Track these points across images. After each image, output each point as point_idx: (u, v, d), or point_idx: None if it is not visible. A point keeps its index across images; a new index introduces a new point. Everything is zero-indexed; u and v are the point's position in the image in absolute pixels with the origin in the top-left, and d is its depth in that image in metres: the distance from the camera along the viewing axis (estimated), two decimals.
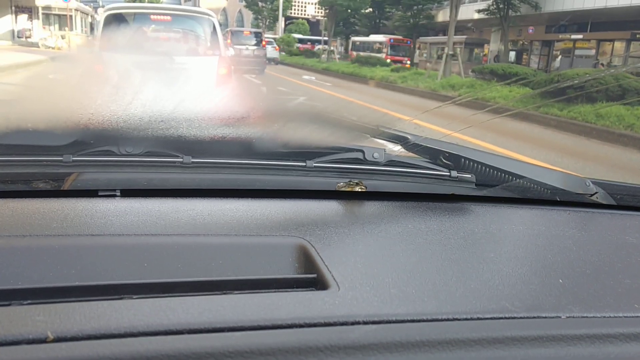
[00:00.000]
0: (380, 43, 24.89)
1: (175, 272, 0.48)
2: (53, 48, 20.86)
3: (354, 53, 24.72)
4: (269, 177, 0.68)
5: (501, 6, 21.20)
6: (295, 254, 0.52)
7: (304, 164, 0.68)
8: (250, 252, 0.52)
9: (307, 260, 0.51)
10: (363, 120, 0.82)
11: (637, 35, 19.89)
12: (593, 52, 21.82)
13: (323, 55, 22.60)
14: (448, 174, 0.72)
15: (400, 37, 25.18)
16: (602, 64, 19.92)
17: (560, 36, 22.65)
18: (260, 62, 15.86)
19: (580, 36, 21.83)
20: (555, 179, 0.75)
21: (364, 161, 0.70)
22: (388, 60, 19.83)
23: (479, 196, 0.73)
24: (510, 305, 0.46)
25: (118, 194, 0.63)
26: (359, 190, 0.68)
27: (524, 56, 25.73)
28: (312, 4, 44.02)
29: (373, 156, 0.70)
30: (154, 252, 0.50)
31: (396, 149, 0.73)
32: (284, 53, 26.87)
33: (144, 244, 0.52)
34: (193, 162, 0.64)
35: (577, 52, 22.49)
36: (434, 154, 0.73)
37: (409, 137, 0.73)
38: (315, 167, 0.68)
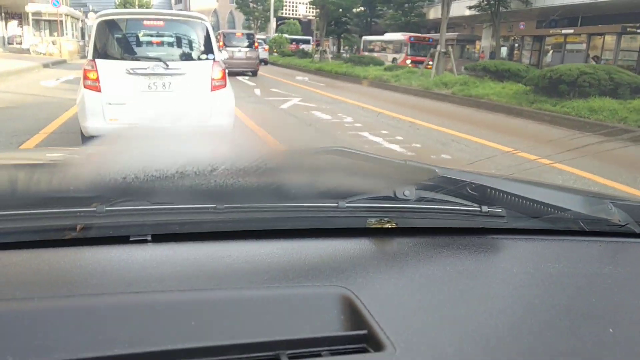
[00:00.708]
0: (399, 42, 22.92)
1: (224, 332, 0.47)
2: (44, 54, 20.75)
3: (367, 54, 22.95)
4: (302, 216, 0.68)
5: (492, 2, 21.30)
6: (340, 306, 0.51)
7: (336, 204, 0.67)
8: (296, 306, 0.51)
9: (353, 314, 0.50)
10: (390, 155, 0.82)
11: (628, 29, 20.04)
12: (584, 46, 21.96)
13: (316, 55, 22.57)
14: (479, 209, 0.71)
15: (421, 35, 22.91)
16: (594, 58, 20.06)
17: (551, 31, 22.77)
18: (253, 63, 15.85)
19: (571, 31, 21.97)
20: (578, 204, 0.75)
21: (395, 199, 0.70)
22: (408, 62, 18.16)
23: (507, 229, 0.73)
24: None
25: (149, 238, 0.61)
26: (390, 227, 0.69)
27: (516, 52, 25.84)
28: (303, 3, 44.02)
29: (404, 194, 0.70)
30: (199, 309, 0.48)
31: (425, 182, 0.73)
32: (276, 54, 26.85)
33: (187, 301, 0.50)
34: (226, 208, 0.64)
35: (568, 46, 22.63)
36: (461, 185, 0.73)
37: (437, 170, 0.73)
38: (347, 207, 0.68)
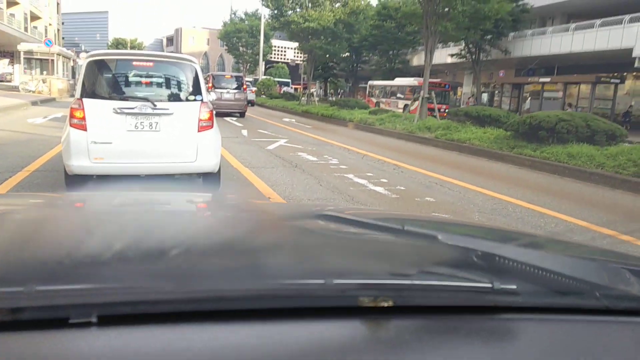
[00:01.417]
0: (411, 87, 21.09)
1: None
2: (34, 92, 20.81)
3: (374, 101, 21.27)
4: (280, 295, 0.57)
5: (473, 50, 22.21)
6: None
7: (323, 281, 0.57)
8: None
9: None
10: (386, 218, 0.73)
11: (602, 78, 20.97)
12: (560, 94, 22.84)
13: (303, 98, 23.06)
14: (489, 285, 0.61)
15: (436, 80, 20.70)
16: (569, 105, 20.84)
17: (529, 79, 23.72)
18: (241, 105, 16.09)
19: (547, 79, 22.91)
20: (595, 273, 0.66)
21: (392, 274, 0.60)
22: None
23: (523, 307, 0.63)
24: None
25: (94, 320, 0.49)
26: (385, 305, 0.58)
27: (496, 98, 26.75)
28: (291, 48, 45.31)
29: (402, 269, 0.60)
30: None
31: (426, 251, 0.64)
32: (264, 96, 27.34)
33: None
34: (190, 290, 0.53)
35: (545, 94, 23.53)
36: (466, 254, 0.64)
37: (439, 236, 0.64)
38: (335, 284, 0.57)
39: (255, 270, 0.58)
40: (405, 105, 20.87)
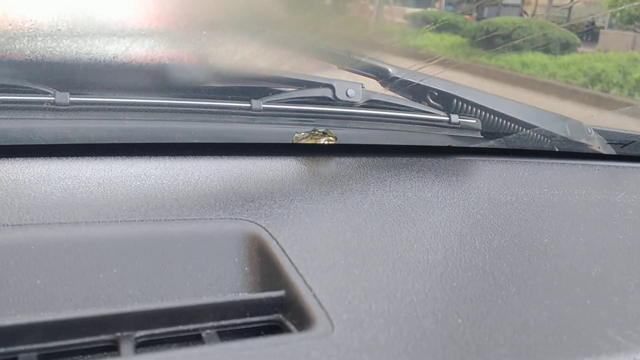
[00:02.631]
0: None
1: (46, 298, 0.29)
2: None
3: (371, 8, 21.14)
4: (195, 126, 0.47)
5: None
6: (244, 250, 0.32)
7: (249, 104, 0.48)
8: (169, 252, 0.30)
9: (264, 262, 0.31)
10: (326, 42, 0.63)
11: None
12: (519, 1, 22.79)
13: None
14: (447, 118, 0.58)
15: None
16: (526, 13, 20.85)
17: None
18: None
19: None
20: (557, 125, 0.65)
21: (333, 101, 0.53)
22: None
23: (479, 148, 0.59)
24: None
25: None
26: (326, 143, 0.49)
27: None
28: None
29: (347, 94, 0.53)
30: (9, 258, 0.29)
31: (375, 83, 0.58)
32: None
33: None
34: (72, 103, 0.41)
35: (504, 0, 23.46)
36: (419, 93, 0.59)
37: (390, 69, 0.59)
38: (264, 109, 0.49)
39: (158, 78, 0.47)
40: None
